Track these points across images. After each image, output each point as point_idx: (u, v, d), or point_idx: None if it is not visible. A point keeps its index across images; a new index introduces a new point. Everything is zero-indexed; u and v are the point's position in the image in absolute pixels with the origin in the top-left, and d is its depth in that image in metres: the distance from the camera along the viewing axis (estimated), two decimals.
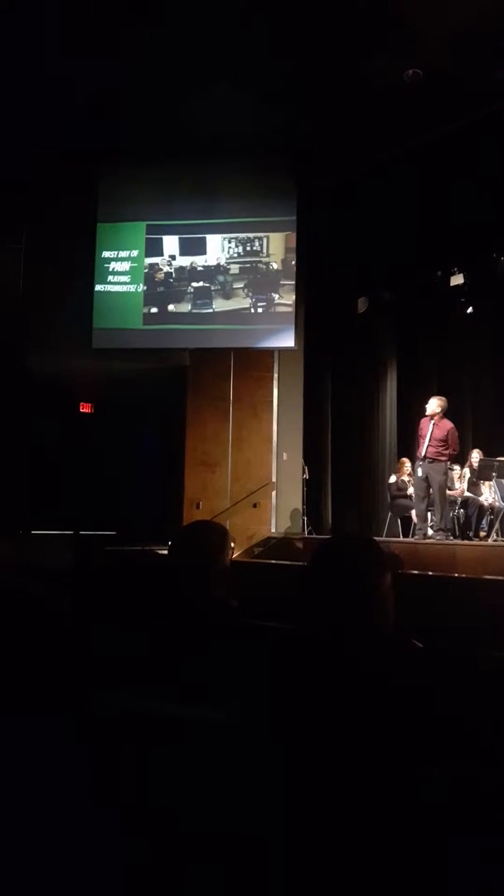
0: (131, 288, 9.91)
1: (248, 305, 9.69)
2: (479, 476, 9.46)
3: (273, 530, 9.69)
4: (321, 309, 10.36)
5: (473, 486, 9.51)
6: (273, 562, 8.31)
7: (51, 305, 9.59)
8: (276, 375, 9.95)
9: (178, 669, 1.96)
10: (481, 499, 9.39)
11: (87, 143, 9.14)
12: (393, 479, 9.95)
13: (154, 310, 9.87)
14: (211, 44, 7.76)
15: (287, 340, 9.63)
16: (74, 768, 1.64)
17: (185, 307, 9.83)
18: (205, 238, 9.83)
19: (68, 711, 1.71)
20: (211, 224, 9.82)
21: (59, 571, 5.30)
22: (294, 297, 9.64)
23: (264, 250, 9.71)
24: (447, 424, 8.34)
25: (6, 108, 8.54)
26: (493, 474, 9.22)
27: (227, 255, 9.78)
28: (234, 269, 9.79)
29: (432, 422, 8.30)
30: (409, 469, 9.48)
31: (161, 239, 9.91)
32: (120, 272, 9.95)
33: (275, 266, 9.69)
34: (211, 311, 9.77)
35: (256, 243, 9.73)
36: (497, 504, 9.26)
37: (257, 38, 7.66)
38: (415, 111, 8.47)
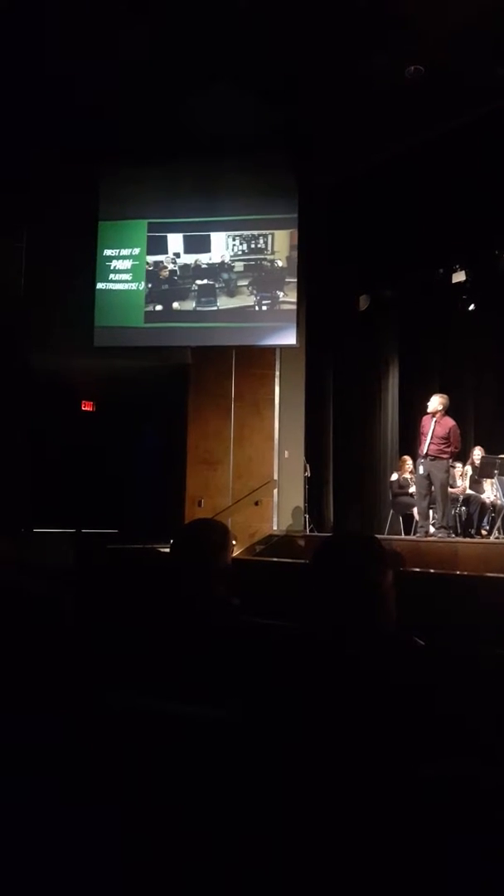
0: (133, 286, 9.91)
1: (252, 303, 9.68)
2: (480, 473, 9.46)
3: (275, 528, 9.69)
4: (323, 306, 10.35)
5: (475, 483, 9.51)
6: (275, 560, 8.32)
7: (52, 304, 9.59)
8: (277, 373, 9.95)
9: (179, 668, 1.96)
10: (483, 496, 9.38)
11: (88, 142, 9.13)
12: (395, 476, 9.95)
13: (158, 307, 9.86)
14: (211, 43, 7.75)
15: (289, 338, 9.63)
16: (75, 766, 1.64)
17: (190, 305, 9.82)
18: (209, 236, 9.82)
19: (70, 709, 1.71)
20: (215, 222, 9.80)
21: (61, 570, 5.31)
22: (296, 294, 9.64)
23: (269, 248, 9.69)
24: (449, 422, 8.33)
25: (7, 108, 8.54)
26: (495, 472, 9.21)
27: (232, 253, 9.77)
28: (239, 266, 9.77)
29: (434, 419, 8.30)
30: (411, 467, 9.47)
31: (165, 237, 9.90)
32: (121, 270, 9.94)
33: (280, 263, 9.67)
34: (215, 308, 9.75)
35: (261, 241, 9.71)
36: (499, 501, 9.25)
37: (257, 37, 7.65)
38: (416, 108, 8.45)
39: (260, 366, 9.93)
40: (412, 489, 9.23)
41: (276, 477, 9.81)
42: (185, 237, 9.87)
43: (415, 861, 1.27)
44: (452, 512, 8.96)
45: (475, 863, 1.24)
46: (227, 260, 9.78)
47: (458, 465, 9.54)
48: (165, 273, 9.87)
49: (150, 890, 1.53)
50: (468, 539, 8.75)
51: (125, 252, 9.94)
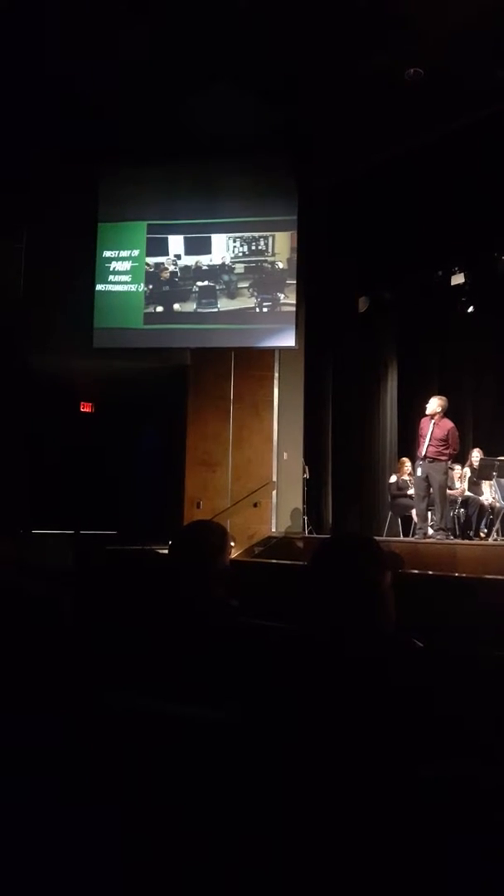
0: (132, 287, 9.91)
1: (253, 305, 9.67)
2: (479, 475, 9.46)
3: (273, 530, 9.69)
4: (322, 308, 10.35)
5: (474, 485, 9.51)
6: (273, 561, 8.32)
7: (52, 305, 9.59)
8: (276, 375, 9.95)
9: (178, 669, 1.96)
10: (482, 498, 9.38)
11: (88, 142, 9.13)
12: (393, 478, 9.95)
13: (159, 308, 9.85)
14: (211, 44, 7.76)
15: (288, 340, 9.63)
16: (75, 766, 1.64)
17: (191, 306, 9.82)
18: (210, 237, 9.82)
19: (69, 710, 1.71)
20: (215, 223, 9.80)
21: (60, 571, 5.31)
22: (296, 296, 9.64)
23: (270, 249, 9.69)
24: (447, 424, 8.34)
25: (7, 108, 8.54)
26: (494, 474, 9.22)
27: (233, 255, 9.76)
28: (240, 268, 9.76)
29: (433, 421, 8.31)
30: (410, 468, 9.47)
31: (166, 238, 9.89)
32: (121, 272, 9.94)
33: (280, 265, 9.66)
34: (216, 310, 9.75)
35: (262, 242, 9.71)
36: (497, 503, 9.26)
37: (257, 38, 7.66)
38: (416, 110, 8.46)
39: (259, 367, 9.93)
40: (411, 491, 9.24)
41: (274, 478, 9.81)
42: (185, 239, 9.86)
43: (415, 861, 1.27)
44: (451, 514, 8.96)
45: (475, 863, 1.24)
46: (227, 262, 9.78)
47: (457, 467, 9.55)
48: (166, 274, 9.87)
49: (149, 890, 1.53)
50: (467, 541, 8.75)
51: (125, 253, 9.94)
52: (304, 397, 10.15)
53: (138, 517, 10.06)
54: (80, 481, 10.02)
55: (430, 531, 8.52)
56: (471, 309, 10.63)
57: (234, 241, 9.77)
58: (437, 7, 7.14)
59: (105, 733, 1.64)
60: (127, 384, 10.59)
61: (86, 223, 9.75)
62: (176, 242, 9.88)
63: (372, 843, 1.31)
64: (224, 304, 9.73)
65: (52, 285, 9.63)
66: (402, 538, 9.36)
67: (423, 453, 8.31)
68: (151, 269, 9.88)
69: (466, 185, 8.81)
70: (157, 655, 2.05)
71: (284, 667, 1.71)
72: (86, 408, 11.18)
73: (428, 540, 8.31)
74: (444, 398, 8.55)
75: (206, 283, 9.79)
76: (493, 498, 9.32)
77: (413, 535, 9.08)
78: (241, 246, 9.74)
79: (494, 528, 9.16)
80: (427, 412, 8.43)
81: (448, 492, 8.69)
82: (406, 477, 9.63)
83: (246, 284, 9.71)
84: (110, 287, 9.93)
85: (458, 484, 9.52)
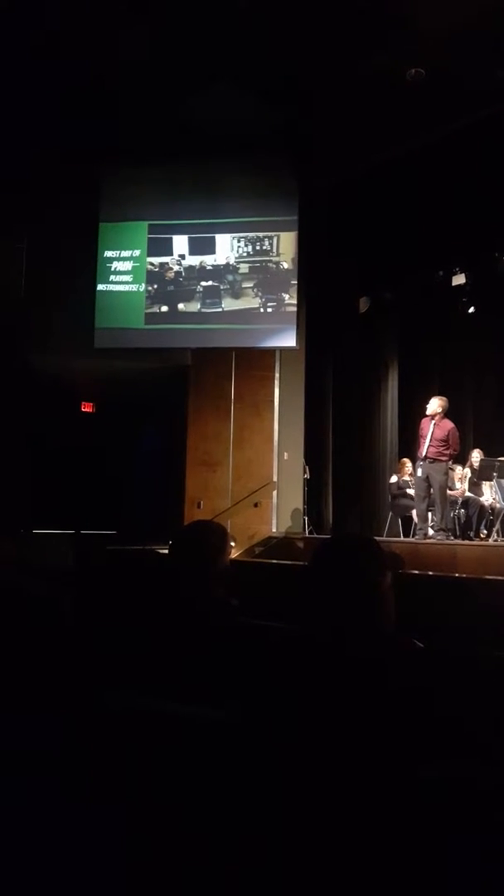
0: (133, 287, 9.90)
1: (257, 305, 9.65)
2: (479, 476, 9.46)
3: (274, 530, 9.69)
4: (323, 308, 10.35)
5: (474, 486, 9.51)
6: (274, 561, 8.32)
7: (53, 305, 9.59)
8: (277, 375, 9.95)
9: (178, 668, 1.96)
10: (482, 499, 9.38)
11: (89, 142, 9.13)
12: (394, 478, 9.94)
13: (164, 308, 9.84)
14: (212, 44, 7.76)
15: (289, 340, 9.62)
16: (75, 766, 1.64)
17: (195, 306, 9.80)
18: (214, 237, 9.81)
19: (69, 710, 1.71)
20: (219, 223, 9.79)
21: (60, 570, 5.32)
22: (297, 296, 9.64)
23: (275, 249, 9.66)
24: (448, 424, 8.34)
25: (8, 108, 8.54)
26: (494, 474, 9.22)
27: (237, 255, 9.74)
28: (244, 268, 9.74)
29: (433, 422, 8.31)
30: (410, 469, 9.47)
31: (171, 238, 9.88)
32: (122, 272, 9.94)
33: (285, 265, 9.63)
34: (220, 310, 9.74)
35: (266, 242, 9.69)
36: (497, 504, 9.26)
37: (258, 37, 7.66)
38: (417, 111, 8.46)
39: (260, 367, 9.93)
40: (411, 491, 9.23)
41: (275, 479, 9.81)
42: (190, 239, 9.85)
43: (414, 862, 1.27)
44: (451, 514, 8.96)
45: (475, 864, 1.24)
46: (232, 261, 9.76)
47: (458, 467, 9.55)
48: (171, 274, 9.86)
49: (150, 890, 1.53)
50: (467, 541, 8.75)
51: (126, 253, 9.94)
52: (304, 397, 10.15)
53: (139, 517, 10.06)
54: (81, 481, 10.02)
55: (431, 532, 8.52)
56: (472, 309, 10.62)
57: (239, 241, 9.76)
58: (438, 7, 7.13)
59: (105, 733, 1.64)
60: (128, 384, 10.59)
61: (87, 223, 9.76)
62: (180, 242, 9.86)
63: (372, 843, 1.31)
64: (228, 305, 9.72)
65: (54, 285, 9.64)
66: (402, 539, 9.36)
67: (424, 454, 8.31)
68: (156, 269, 9.86)
69: (467, 186, 8.80)
70: (157, 655, 2.05)
71: (284, 667, 1.71)
72: (87, 408, 11.19)
73: (428, 540, 8.32)
74: (444, 399, 8.55)
75: (210, 283, 9.78)
76: (494, 499, 9.32)
77: (413, 536, 9.08)
78: (246, 246, 9.73)
79: (494, 529, 9.16)
80: (427, 413, 8.43)
81: (448, 492, 8.69)
82: (406, 477, 9.62)
83: (250, 284, 9.70)
84: (111, 287, 9.92)
85: (458, 484, 9.52)
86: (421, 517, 8.76)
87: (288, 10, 7.27)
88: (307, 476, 10.17)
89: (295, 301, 9.58)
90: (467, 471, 9.62)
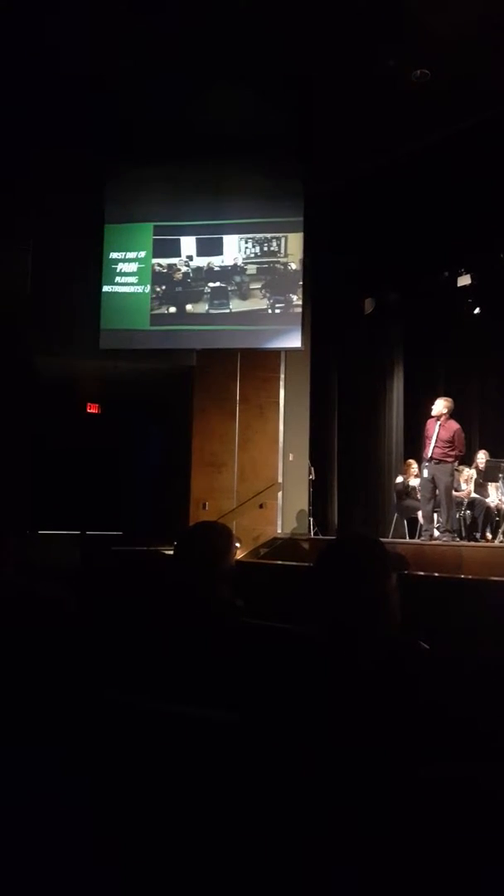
0: (139, 289, 9.90)
1: (265, 306, 9.63)
2: (485, 477, 9.45)
3: (279, 531, 9.69)
4: (328, 310, 10.35)
5: (480, 487, 9.50)
6: (279, 562, 8.32)
7: (58, 306, 9.59)
8: (282, 376, 9.96)
9: (182, 669, 1.96)
10: (488, 500, 9.37)
11: (94, 144, 9.15)
12: (399, 480, 9.93)
13: (172, 309, 9.82)
14: (216, 45, 7.76)
15: (294, 341, 9.61)
16: (77, 766, 1.64)
17: (203, 307, 9.78)
18: (221, 238, 9.79)
19: (74, 710, 1.71)
20: (226, 224, 9.77)
21: (65, 571, 5.32)
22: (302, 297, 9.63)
23: (283, 250, 9.63)
24: (453, 425, 8.33)
25: (13, 110, 8.56)
26: (500, 475, 9.21)
27: (244, 256, 9.72)
28: (252, 269, 9.71)
29: (438, 423, 8.29)
30: (416, 470, 9.46)
31: (178, 240, 9.87)
32: (127, 273, 9.94)
33: (293, 266, 9.60)
34: (227, 311, 9.72)
35: (274, 243, 9.66)
36: (503, 505, 9.25)
37: (263, 39, 7.66)
38: (422, 112, 8.45)
39: (265, 369, 9.94)
40: (417, 492, 9.23)
41: (280, 480, 9.81)
42: (197, 240, 9.84)
43: (416, 862, 1.27)
44: (457, 516, 8.95)
45: (475, 864, 1.24)
46: (239, 262, 9.73)
47: (463, 468, 9.53)
48: (179, 275, 9.85)
49: (151, 890, 1.53)
50: (473, 543, 8.74)
51: (131, 255, 9.94)
52: (309, 398, 10.15)
53: (143, 518, 10.08)
54: (87, 482, 10.04)
55: (436, 533, 8.51)
56: (477, 310, 10.62)
57: (247, 242, 9.73)
58: (443, 8, 7.13)
59: (109, 734, 1.64)
60: (133, 385, 10.60)
61: (92, 224, 9.76)
62: (188, 243, 9.85)
63: (374, 843, 1.31)
64: (236, 306, 9.70)
65: (59, 287, 9.64)
66: (407, 540, 9.35)
67: (429, 455, 8.30)
68: (164, 271, 9.84)
69: (473, 186, 8.79)
70: (161, 656, 2.05)
71: (289, 667, 1.71)
72: (92, 409, 11.20)
73: (434, 542, 8.30)
74: (449, 399, 8.54)
75: (217, 283, 9.76)
76: (500, 500, 9.31)
77: (419, 537, 9.07)
78: (254, 247, 9.70)
79: (500, 530, 9.15)
80: (433, 413, 8.42)
81: (454, 493, 8.67)
82: (412, 478, 9.62)
83: (258, 285, 9.67)
84: (117, 288, 9.92)
85: (464, 486, 9.51)
86: (426, 518, 8.74)
87: (293, 11, 7.27)
88: (312, 477, 10.18)
89: (302, 302, 9.56)
90: (473, 472, 9.61)
